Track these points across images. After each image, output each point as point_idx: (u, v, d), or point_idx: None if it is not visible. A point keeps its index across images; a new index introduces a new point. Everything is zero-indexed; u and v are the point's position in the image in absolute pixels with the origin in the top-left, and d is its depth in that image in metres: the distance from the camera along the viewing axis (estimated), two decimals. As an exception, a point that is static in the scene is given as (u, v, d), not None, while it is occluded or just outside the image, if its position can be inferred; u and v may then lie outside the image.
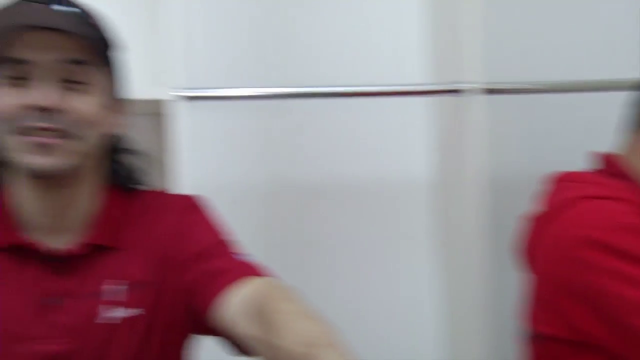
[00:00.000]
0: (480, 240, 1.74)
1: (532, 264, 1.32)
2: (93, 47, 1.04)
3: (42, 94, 0.99)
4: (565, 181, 1.35)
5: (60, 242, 1.08)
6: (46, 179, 1.03)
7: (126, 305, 1.07)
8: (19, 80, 1.00)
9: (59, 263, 1.07)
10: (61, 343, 1.04)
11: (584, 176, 1.34)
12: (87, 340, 1.05)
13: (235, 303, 0.99)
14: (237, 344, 1.05)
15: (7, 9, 1.01)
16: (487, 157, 1.74)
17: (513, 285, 1.41)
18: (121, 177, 1.16)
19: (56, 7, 1.02)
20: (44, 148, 1.00)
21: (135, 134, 1.21)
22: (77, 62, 1.02)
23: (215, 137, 1.79)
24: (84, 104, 1.03)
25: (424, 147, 1.93)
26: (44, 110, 0.99)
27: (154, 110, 1.74)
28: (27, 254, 1.06)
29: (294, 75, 1.84)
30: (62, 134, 1.01)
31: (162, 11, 1.61)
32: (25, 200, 1.07)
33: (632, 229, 1.17)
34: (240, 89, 1.69)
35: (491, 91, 1.75)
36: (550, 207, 1.31)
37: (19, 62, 0.99)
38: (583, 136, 1.95)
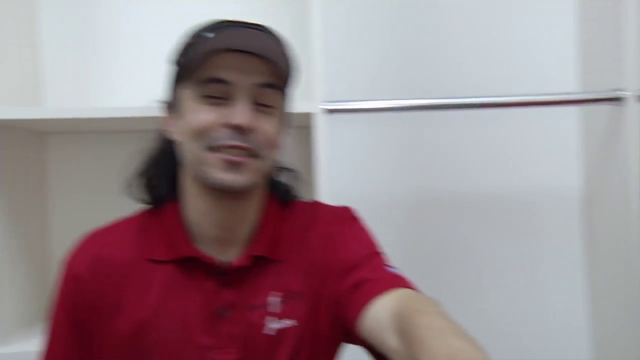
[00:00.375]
0: (634, 254, 1.63)
1: None
2: (283, 72, 1.09)
3: (239, 114, 1.04)
4: None
5: (226, 255, 1.12)
6: (227, 195, 1.08)
7: (285, 316, 1.10)
8: (217, 99, 1.05)
9: (227, 275, 1.11)
10: (232, 353, 1.08)
11: None
12: (254, 351, 1.09)
13: (380, 315, 0.99)
14: (381, 356, 1.04)
15: (211, 29, 1.08)
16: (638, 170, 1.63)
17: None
18: (279, 190, 1.20)
19: (257, 32, 1.08)
20: (234, 165, 1.04)
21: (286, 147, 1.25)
22: (270, 86, 1.08)
23: (358, 148, 1.81)
24: (270, 126, 1.08)
25: (575, 157, 1.85)
26: (239, 129, 1.04)
27: (299, 124, 1.77)
28: (199, 266, 1.11)
29: (437, 87, 1.83)
30: (251, 153, 1.05)
31: (306, 25, 1.64)
32: (200, 214, 1.12)
33: None
34: (381, 101, 1.68)
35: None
36: None
37: (221, 82, 1.05)
38: None
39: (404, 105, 1.69)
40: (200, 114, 1.05)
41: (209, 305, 1.09)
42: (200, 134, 1.05)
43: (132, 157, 1.19)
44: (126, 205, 1.19)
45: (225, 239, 1.13)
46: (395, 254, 1.66)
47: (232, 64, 1.05)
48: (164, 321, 1.08)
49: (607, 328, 1.81)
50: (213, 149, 1.04)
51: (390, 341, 0.95)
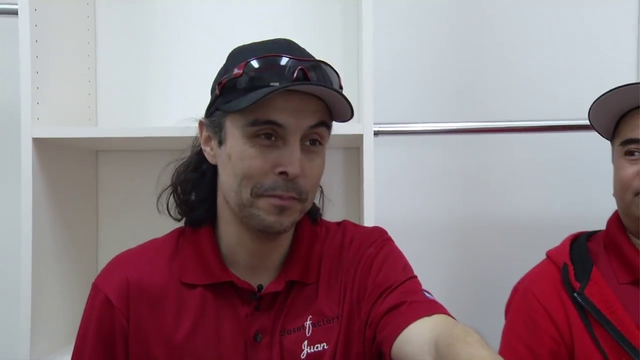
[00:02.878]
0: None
1: None
2: (336, 110, 1.07)
3: (292, 163, 1.01)
4: None
5: (259, 279, 1.12)
6: (268, 233, 1.07)
7: (319, 340, 1.10)
8: (268, 139, 1.02)
9: (262, 300, 1.10)
10: None
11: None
12: None
13: (417, 340, 0.97)
14: None
15: (265, 62, 1.03)
16: None
17: None
18: (311, 210, 1.18)
19: (314, 67, 1.04)
20: (280, 210, 1.03)
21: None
22: (324, 125, 1.05)
23: (404, 170, 1.81)
24: (317, 168, 1.07)
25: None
26: (291, 178, 1.02)
27: (346, 145, 1.78)
28: (233, 290, 1.11)
29: (483, 110, 1.82)
30: (297, 197, 1.04)
31: (357, 48, 1.65)
32: (234, 241, 1.11)
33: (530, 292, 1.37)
34: (430, 123, 1.68)
35: None
36: None
37: (274, 124, 1.01)
38: None
39: (451, 128, 1.69)
40: (250, 160, 1.02)
41: (243, 331, 1.09)
42: (249, 179, 1.02)
43: (166, 174, 1.18)
44: (173, 222, 1.19)
45: (259, 265, 1.12)
46: (435, 278, 1.64)
47: (287, 105, 1.01)
48: (198, 346, 1.08)
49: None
50: (260, 195, 1.03)
51: None
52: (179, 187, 1.16)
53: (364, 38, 1.53)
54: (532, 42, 1.85)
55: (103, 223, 1.86)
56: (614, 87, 1.32)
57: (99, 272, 1.15)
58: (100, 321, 1.10)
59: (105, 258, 1.81)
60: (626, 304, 1.28)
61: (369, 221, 1.50)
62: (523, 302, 1.36)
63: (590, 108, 1.36)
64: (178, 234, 1.18)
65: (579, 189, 1.82)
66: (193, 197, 1.15)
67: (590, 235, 1.44)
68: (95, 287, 1.13)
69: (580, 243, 1.41)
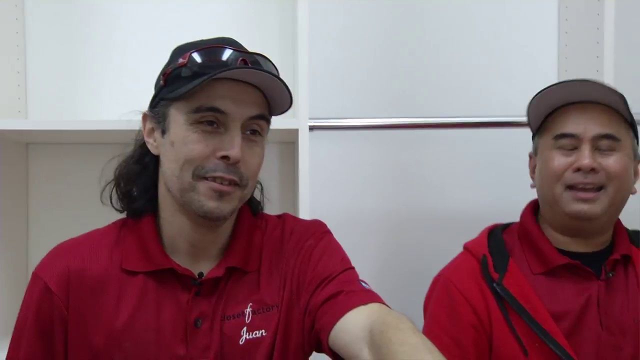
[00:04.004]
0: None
1: None
2: (276, 103, 1.11)
3: (234, 148, 1.05)
4: None
5: (200, 266, 1.14)
6: (207, 220, 1.09)
7: (259, 327, 1.12)
8: (209, 125, 1.06)
9: (202, 286, 1.12)
10: None
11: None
12: None
13: (353, 328, 1.01)
14: None
15: (208, 53, 1.07)
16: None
17: None
18: (251, 201, 1.22)
19: (255, 61, 1.08)
20: (221, 194, 1.06)
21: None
22: (262, 117, 1.09)
23: (339, 164, 1.85)
24: (257, 156, 1.10)
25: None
26: (232, 162, 1.05)
27: (282, 139, 1.80)
28: (174, 277, 1.12)
29: (419, 106, 1.87)
30: (237, 183, 1.07)
31: (292, 44, 1.68)
32: (176, 228, 1.13)
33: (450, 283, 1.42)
34: (364, 119, 1.72)
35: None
36: None
37: (216, 111, 1.05)
38: None
39: (384, 124, 1.73)
40: (192, 144, 1.05)
41: (183, 316, 1.10)
42: (191, 163, 1.05)
43: (110, 167, 1.19)
44: (108, 215, 1.20)
45: (199, 253, 1.14)
46: (370, 269, 1.68)
47: (229, 93, 1.05)
48: (138, 332, 1.09)
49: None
50: (202, 177, 1.06)
51: (362, 354, 0.98)
52: (121, 180, 1.17)
53: (300, 34, 1.56)
54: (462, 42, 1.93)
55: (34, 216, 1.82)
56: (544, 85, 1.39)
57: (29, 266, 1.15)
58: (38, 309, 1.10)
59: (35, 252, 1.79)
60: (540, 293, 1.35)
61: (304, 214, 1.53)
62: (444, 294, 1.41)
63: (529, 104, 1.42)
64: (120, 224, 1.19)
65: (505, 183, 1.90)
66: (133, 189, 1.16)
67: (505, 227, 1.50)
68: (35, 276, 1.13)
69: (496, 235, 1.47)
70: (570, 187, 1.36)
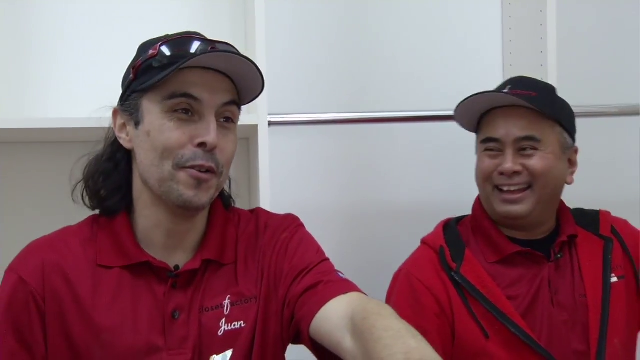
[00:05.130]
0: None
1: None
2: (248, 90, 1.14)
3: (210, 134, 1.06)
4: None
5: (175, 259, 1.15)
6: (185, 211, 1.11)
7: (237, 318, 1.14)
8: (183, 114, 1.07)
9: (178, 278, 1.13)
10: (186, 354, 1.10)
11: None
12: (208, 352, 1.12)
13: (334, 316, 1.04)
14: (330, 356, 1.08)
15: (178, 44, 1.09)
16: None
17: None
18: (223, 195, 1.24)
19: (226, 49, 1.10)
20: (200, 183, 1.08)
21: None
22: (234, 103, 1.12)
23: (297, 160, 1.88)
24: (231, 143, 1.13)
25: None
26: (209, 149, 1.07)
27: (240, 135, 1.81)
28: (149, 270, 1.13)
29: (372, 100, 1.92)
30: (214, 169, 1.09)
31: (249, 40, 1.68)
32: (151, 222, 1.14)
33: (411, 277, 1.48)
34: (321, 114, 1.75)
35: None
36: None
37: (190, 98, 1.06)
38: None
39: (340, 119, 1.77)
40: (169, 132, 1.07)
41: (160, 308, 1.11)
42: (169, 151, 1.07)
43: (80, 165, 1.18)
44: (68, 215, 1.20)
45: (175, 246, 1.15)
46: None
47: (202, 81, 1.07)
48: (116, 324, 1.10)
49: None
50: (180, 167, 1.07)
51: (344, 342, 1.00)
52: (90, 179, 1.17)
53: (258, 30, 1.57)
54: (412, 39, 1.98)
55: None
56: (491, 79, 1.47)
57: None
58: (10, 302, 1.09)
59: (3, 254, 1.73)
60: (496, 280, 1.44)
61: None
62: (406, 286, 1.46)
63: (455, 108, 1.51)
64: (91, 221, 1.19)
65: (457, 176, 1.95)
66: (104, 189, 1.16)
67: (459, 220, 1.58)
68: (9, 270, 1.12)
69: (451, 227, 1.54)
70: (498, 188, 1.46)
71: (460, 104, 1.49)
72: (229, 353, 1.12)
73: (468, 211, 1.58)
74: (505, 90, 1.46)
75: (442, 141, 1.96)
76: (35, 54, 1.78)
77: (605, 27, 2.07)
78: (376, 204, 1.95)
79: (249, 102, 1.18)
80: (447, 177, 1.97)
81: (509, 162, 1.43)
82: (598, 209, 1.58)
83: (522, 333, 1.37)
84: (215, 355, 1.11)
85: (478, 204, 1.55)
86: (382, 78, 1.94)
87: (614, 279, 1.47)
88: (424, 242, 1.54)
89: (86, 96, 1.67)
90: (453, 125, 1.91)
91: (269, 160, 1.57)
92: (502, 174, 1.44)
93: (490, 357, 1.38)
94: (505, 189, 1.44)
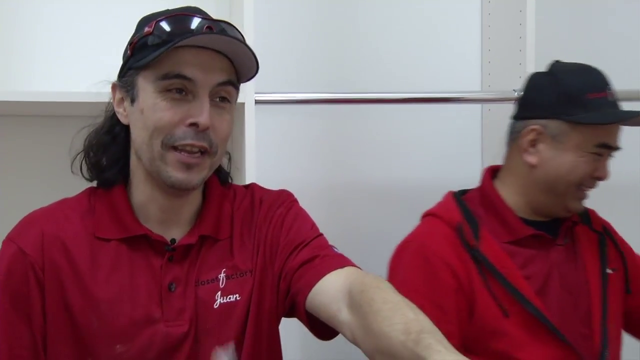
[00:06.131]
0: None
1: None
2: (243, 69, 1.14)
3: (202, 114, 1.06)
4: None
5: (172, 233, 1.16)
6: (177, 189, 1.12)
7: (233, 291, 1.16)
8: (177, 93, 1.07)
9: (175, 252, 1.15)
10: (183, 325, 1.13)
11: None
12: (204, 324, 1.14)
13: (331, 289, 1.07)
14: (323, 329, 1.13)
15: (174, 21, 1.08)
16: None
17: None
18: (220, 171, 1.25)
19: (222, 27, 1.10)
20: (187, 166, 1.08)
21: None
22: (230, 83, 1.11)
23: (284, 139, 1.91)
24: (226, 123, 1.12)
25: (477, 153, 2.02)
26: (199, 128, 1.07)
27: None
28: (147, 244, 1.15)
29: (356, 81, 1.95)
30: (207, 149, 1.09)
31: (237, 20, 1.69)
32: (147, 197, 1.15)
33: (424, 245, 1.45)
34: (307, 93, 1.77)
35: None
36: None
37: (184, 78, 1.06)
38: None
39: (326, 98, 1.79)
40: (161, 112, 1.07)
41: (157, 280, 1.13)
42: (160, 130, 1.07)
43: (81, 137, 1.19)
44: (67, 187, 1.20)
45: (170, 220, 1.17)
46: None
47: (196, 60, 1.07)
48: (113, 295, 1.11)
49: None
50: (171, 146, 1.08)
51: (341, 314, 1.04)
52: (90, 150, 1.18)
53: (246, 11, 1.58)
54: (399, 20, 2.02)
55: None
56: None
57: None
58: (9, 271, 1.10)
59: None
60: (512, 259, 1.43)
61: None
62: (420, 260, 1.43)
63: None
64: (89, 193, 1.20)
65: (442, 157, 2.02)
66: (103, 160, 1.17)
67: (463, 194, 1.56)
68: (8, 240, 1.13)
69: (462, 203, 1.51)
70: (580, 189, 1.46)
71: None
72: (231, 346, 1.14)
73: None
74: None
75: (426, 123, 2.01)
76: (23, 29, 1.76)
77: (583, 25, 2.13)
78: (360, 183, 1.99)
79: (246, 81, 1.18)
80: (430, 157, 2.02)
81: (607, 171, 1.46)
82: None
83: (539, 314, 1.38)
84: (218, 347, 1.13)
85: (489, 178, 1.54)
86: (369, 59, 1.97)
87: (609, 271, 1.51)
88: (434, 215, 1.51)
89: (81, 70, 1.68)
90: (436, 107, 1.97)
91: (255, 138, 1.59)
92: (598, 179, 1.46)
93: (507, 336, 1.38)
94: (587, 191, 1.47)
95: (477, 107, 2.03)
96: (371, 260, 1.57)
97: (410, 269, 1.44)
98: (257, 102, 1.62)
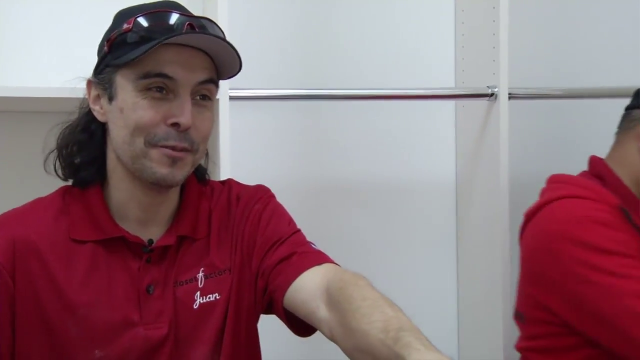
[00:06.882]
0: (498, 238, 1.82)
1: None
2: (225, 67, 1.11)
3: (183, 114, 1.04)
4: (553, 182, 1.52)
5: (149, 233, 1.14)
6: (160, 186, 1.10)
7: (211, 291, 1.15)
8: (158, 92, 1.05)
9: (153, 253, 1.13)
10: (163, 328, 1.11)
11: (568, 178, 1.50)
12: (184, 325, 1.13)
13: (309, 287, 1.07)
14: (302, 326, 1.12)
15: (152, 18, 1.05)
16: (507, 160, 1.82)
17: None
18: (197, 171, 1.22)
19: (202, 24, 1.08)
20: (173, 161, 1.06)
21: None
22: (212, 82, 1.10)
23: (258, 135, 1.90)
24: (207, 121, 1.11)
25: (452, 149, 2.03)
26: (182, 129, 1.05)
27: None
28: (124, 245, 1.12)
29: (331, 78, 1.95)
30: (189, 148, 1.07)
31: (212, 16, 1.68)
32: (125, 196, 1.13)
33: (602, 223, 1.34)
34: (281, 90, 1.76)
35: (514, 96, 1.84)
36: (536, 205, 1.48)
37: (164, 77, 1.04)
38: (598, 140, 2.07)
39: (301, 94, 1.79)
40: (142, 111, 1.04)
41: (135, 283, 1.11)
42: (141, 130, 1.05)
43: (53, 134, 1.16)
44: (40, 187, 1.17)
45: (149, 220, 1.15)
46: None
47: (177, 59, 1.05)
48: (91, 299, 1.09)
49: (472, 311, 2.01)
50: (153, 145, 1.06)
51: (319, 311, 1.04)
52: (64, 149, 1.15)
53: (220, 8, 1.56)
54: (374, 18, 2.02)
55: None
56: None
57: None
58: None
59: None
60: None
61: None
62: (600, 226, 1.35)
63: None
64: (63, 192, 1.17)
65: (415, 153, 2.03)
66: (79, 159, 1.14)
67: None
68: None
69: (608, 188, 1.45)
70: None
71: None
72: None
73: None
74: None
75: (400, 119, 2.01)
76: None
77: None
78: (334, 179, 1.99)
79: (227, 79, 1.16)
80: (405, 154, 2.03)
81: None
82: None
83: None
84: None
85: (610, 170, 1.49)
86: (344, 56, 1.98)
87: None
88: (584, 197, 1.41)
89: (51, 64, 1.65)
90: (411, 103, 1.97)
91: (230, 134, 1.58)
92: None
93: None
94: None
95: (451, 103, 2.04)
96: (341, 256, 1.58)
97: (600, 238, 1.35)
98: (231, 98, 1.61)
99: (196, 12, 1.76)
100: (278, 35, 1.93)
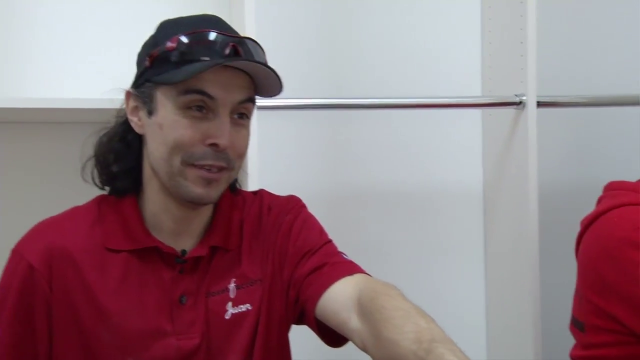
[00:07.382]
0: (529, 245, 1.81)
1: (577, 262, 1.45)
2: (264, 86, 1.12)
3: (222, 135, 1.05)
4: (611, 189, 1.47)
5: (182, 244, 1.15)
6: (195, 204, 1.11)
7: (243, 301, 1.16)
8: (197, 111, 1.05)
9: (186, 264, 1.14)
10: (194, 338, 1.12)
11: (628, 185, 1.45)
12: (216, 336, 1.13)
13: (341, 297, 1.07)
14: (333, 336, 1.12)
15: (195, 38, 1.05)
16: (537, 168, 1.81)
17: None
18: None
19: (244, 45, 1.08)
20: (207, 182, 1.07)
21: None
22: (250, 100, 1.11)
23: (279, 144, 1.90)
24: (244, 139, 1.12)
25: (479, 157, 2.03)
26: (221, 149, 1.06)
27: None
28: (157, 255, 1.13)
29: (356, 86, 1.95)
30: (225, 167, 1.08)
31: (238, 27, 1.69)
32: (159, 208, 1.14)
33: None
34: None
35: (543, 104, 1.82)
36: (594, 212, 1.43)
37: (205, 95, 1.05)
38: (627, 147, 2.06)
39: (328, 104, 1.80)
40: (182, 130, 1.05)
41: (168, 293, 1.12)
42: (180, 148, 1.06)
43: (90, 143, 1.17)
44: (76, 196, 1.19)
45: (182, 232, 1.16)
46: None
47: (218, 78, 1.05)
48: (124, 308, 1.10)
49: (501, 321, 1.99)
50: (190, 164, 1.06)
51: (351, 321, 1.04)
52: (101, 157, 1.16)
53: (246, 18, 1.57)
54: (399, 28, 2.02)
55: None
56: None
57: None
58: (21, 288, 1.08)
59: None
60: None
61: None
62: None
63: None
64: (99, 201, 1.18)
65: (438, 162, 2.02)
66: (116, 168, 1.16)
67: None
68: (17, 253, 1.11)
69: None
70: None
71: None
72: None
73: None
74: None
75: (427, 128, 2.01)
76: (34, 35, 1.75)
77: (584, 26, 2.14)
78: (362, 187, 1.99)
79: (266, 97, 1.16)
80: (432, 162, 2.03)
81: None
82: None
83: None
84: None
85: None
86: (370, 64, 1.98)
87: None
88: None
89: (85, 75, 1.67)
90: (437, 112, 1.97)
91: (258, 143, 1.58)
92: None
93: None
94: None
95: (477, 112, 2.03)
96: (369, 265, 1.58)
97: None
98: (258, 107, 1.62)
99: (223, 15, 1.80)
100: (303, 45, 1.94)
